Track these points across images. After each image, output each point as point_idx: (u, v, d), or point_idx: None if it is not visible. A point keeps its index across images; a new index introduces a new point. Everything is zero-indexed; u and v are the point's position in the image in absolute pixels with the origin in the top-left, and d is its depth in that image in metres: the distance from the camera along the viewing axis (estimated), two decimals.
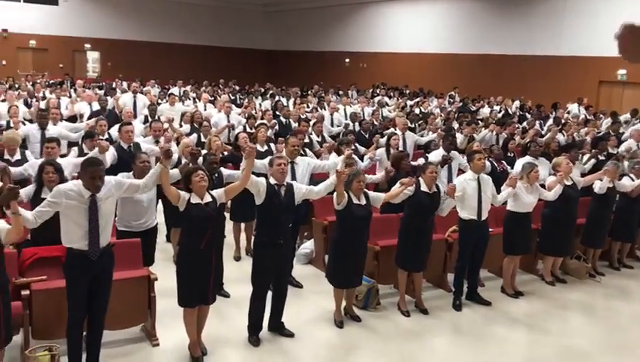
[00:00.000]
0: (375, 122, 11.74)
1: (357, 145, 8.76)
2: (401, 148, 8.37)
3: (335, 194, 5.40)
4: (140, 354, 4.96)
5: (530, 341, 5.64)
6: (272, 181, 5.17)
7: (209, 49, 26.88)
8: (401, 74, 22.77)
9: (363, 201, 5.49)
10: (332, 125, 11.84)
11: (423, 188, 5.82)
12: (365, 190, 5.61)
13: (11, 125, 8.52)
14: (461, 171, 7.80)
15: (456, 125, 11.62)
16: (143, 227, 5.71)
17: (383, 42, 24.56)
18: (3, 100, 11.47)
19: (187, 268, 4.68)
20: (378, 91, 19.21)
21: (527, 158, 8.00)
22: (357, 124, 11.29)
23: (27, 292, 4.58)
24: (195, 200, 4.67)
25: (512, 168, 7.97)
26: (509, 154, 9.01)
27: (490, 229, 6.25)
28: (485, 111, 15.74)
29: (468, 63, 21.11)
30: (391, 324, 5.77)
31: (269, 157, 5.75)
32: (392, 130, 9.71)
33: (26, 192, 5.12)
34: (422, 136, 10.53)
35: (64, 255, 4.34)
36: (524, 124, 12.76)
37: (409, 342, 5.45)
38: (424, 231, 5.87)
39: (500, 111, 15.81)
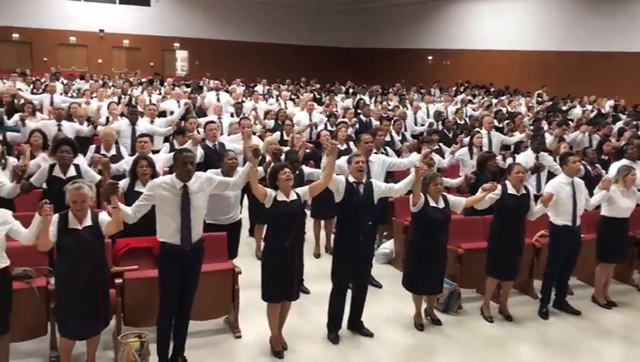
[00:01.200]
0: (459, 121, 11.47)
1: (441, 144, 8.59)
2: (486, 148, 8.12)
3: (412, 194, 5.31)
4: (222, 345, 5.10)
5: (626, 354, 5.31)
6: (351, 179, 5.17)
7: (292, 47, 27.24)
8: (486, 72, 22.11)
9: (441, 204, 5.36)
10: (415, 124, 11.67)
11: (511, 190, 5.61)
12: (445, 193, 5.48)
13: (110, 121, 9.02)
14: (550, 173, 7.49)
15: (545, 125, 11.15)
16: (228, 221, 5.87)
17: (467, 39, 23.94)
18: (96, 97, 12.13)
19: (272, 264, 4.77)
20: (462, 89, 18.77)
21: (624, 161, 7.54)
22: (441, 123, 11.06)
23: (120, 280, 4.83)
24: (281, 197, 4.75)
25: (607, 172, 7.53)
26: (602, 157, 8.52)
27: (582, 235, 5.94)
28: (577, 111, 14.99)
29: (556, 61, 20.19)
30: (473, 330, 5.61)
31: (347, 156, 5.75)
32: (477, 129, 9.45)
33: (121, 185, 5.37)
34: (508, 136, 10.17)
35: (157, 247, 4.55)
36: (620, 124, 12.04)
37: (492, 349, 5.29)
38: (515, 235, 5.64)
39: (593, 111, 15.01)
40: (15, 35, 23.08)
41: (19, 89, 12.43)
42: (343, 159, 5.82)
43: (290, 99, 14.21)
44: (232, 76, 19.45)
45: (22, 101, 10.58)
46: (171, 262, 4.41)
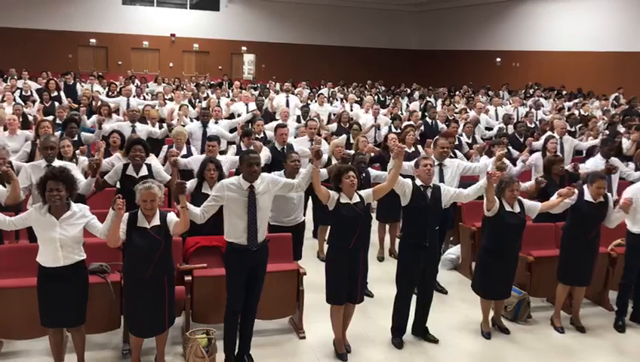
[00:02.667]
0: (529, 124, 11.11)
1: (510, 148, 8.36)
2: (558, 153, 7.83)
3: (485, 199, 5.19)
4: (287, 345, 5.15)
5: None
6: (419, 182, 5.10)
7: (357, 50, 27.23)
8: (557, 74, 21.32)
9: (517, 209, 5.23)
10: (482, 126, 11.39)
11: (587, 197, 5.39)
12: (520, 198, 5.34)
13: (182, 122, 9.30)
14: (622, 180, 7.17)
15: (622, 129, 10.63)
16: (292, 223, 5.92)
17: (538, 40, 23.16)
18: (170, 99, 12.55)
19: (336, 266, 4.77)
20: (532, 92, 18.19)
21: None
22: (510, 126, 10.75)
23: (189, 278, 4.96)
24: (344, 199, 4.75)
25: None
26: None
27: None
28: None
29: (633, 62, 19.20)
30: (543, 340, 5.42)
31: (415, 159, 5.67)
32: (549, 133, 9.12)
33: (188, 186, 5.51)
34: (581, 140, 9.77)
35: (224, 247, 4.64)
36: None
37: (562, 360, 5.09)
38: (588, 242, 5.42)
39: None
40: (92, 40, 24.20)
41: (96, 91, 13.02)
42: (411, 162, 5.76)
43: (356, 102, 14.18)
44: (298, 79, 19.65)
45: (99, 103, 11.06)
46: (238, 261, 4.50)
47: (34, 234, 4.32)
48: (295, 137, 8.72)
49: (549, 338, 5.45)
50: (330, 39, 26.88)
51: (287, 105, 12.32)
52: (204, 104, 11.65)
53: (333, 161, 6.84)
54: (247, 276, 4.54)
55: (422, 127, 10.35)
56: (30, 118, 9.40)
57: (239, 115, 11.27)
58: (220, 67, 25.41)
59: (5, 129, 7.89)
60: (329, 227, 5.80)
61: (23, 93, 12.69)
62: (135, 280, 4.34)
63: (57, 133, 7.15)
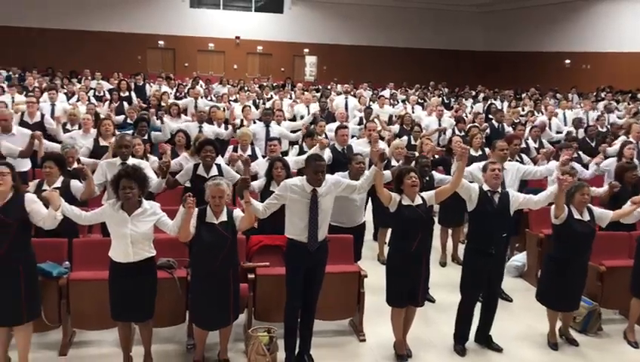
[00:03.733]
0: (600, 128, 10.66)
1: (580, 153, 8.05)
2: (635, 160, 7.48)
3: (554, 205, 5.01)
4: (347, 347, 5.15)
5: None
6: (485, 187, 4.99)
7: (418, 51, 26.91)
8: (631, 76, 20.35)
9: (586, 217, 5.03)
10: (551, 130, 11.01)
11: None
12: (590, 206, 5.13)
13: (244, 123, 9.47)
14: None
15: None
16: (353, 224, 5.91)
17: (610, 41, 22.19)
18: (235, 100, 12.79)
19: (398, 269, 4.73)
20: (603, 95, 17.45)
21: None
22: (581, 130, 10.35)
23: (253, 276, 5.04)
24: (405, 201, 4.71)
25: None
26: None
27: None
28: None
29: None
30: (614, 354, 5.19)
31: (482, 163, 5.55)
32: (623, 137, 8.73)
33: (257, 185, 5.73)
34: None
35: (285, 245, 4.69)
36: None
37: None
38: None
39: None
40: (161, 42, 24.97)
41: (164, 92, 13.43)
42: (476, 166, 5.63)
43: (418, 103, 14.02)
44: (359, 81, 19.60)
45: (168, 103, 11.41)
46: (297, 258, 4.54)
47: (107, 229, 4.50)
48: (354, 138, 8.71)
49: (621, 354, 5.21)
50: (392, 41, 26.67)
51: (346, 106, 12.34)
52: (267, 105, 11.82)
53: (393, 163, 6.79)
54: (306, 274, 4.57)
55: (487, 130, 10.12)
56: (102, 117, 9.79)
57: (301, 117, 11.37)
58: (282, 69, 25.68)
59: (80, 127, 8.26)
60: (389, 230, 5.77)
61: (96, 93, 13.25)
62: (202, 273, 4.45)
63: (129, 132, 7.41)
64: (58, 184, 5.22)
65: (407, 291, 4.73)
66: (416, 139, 8.73)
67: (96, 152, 6.87)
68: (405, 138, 9.05)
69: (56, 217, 4.29)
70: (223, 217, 4.44)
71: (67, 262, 4.92)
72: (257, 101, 13.25)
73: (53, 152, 5.90)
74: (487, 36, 28.24)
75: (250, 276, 5.03)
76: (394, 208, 4.72)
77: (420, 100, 14.94)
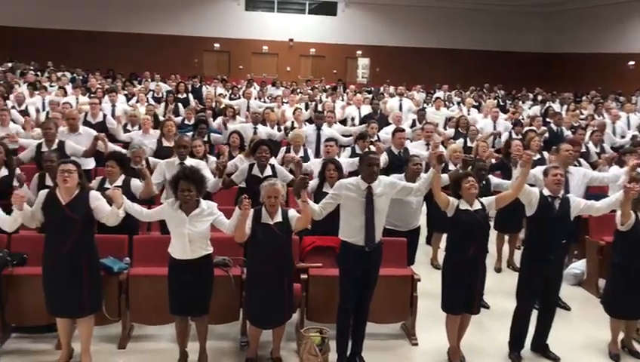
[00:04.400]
0: None
1: None
2: None
3: (619, 212, 4.84)
4: (399, 351, 5.12)
5: None
6: (546, 192, 4.86)
7: (474, 53, 26.46)
8: None
9: None
10: (614, 134, 10.62)
11: None
12: None
13: (295, 125, 9.54)
14: None
15: None
16: (408, 227, 5.88)
17: None
18: (286, 102, 12.89)
19: (455, 274, 4.67)
20: None
21: None
22: None
23: (305, 276, 5.07)
24: (463, 206, 4.64)
25: None
26: None
27: None
28: None
29: None
30: None
31: (544, 166, 5.41)
32: None
33: (310, 186, 5.68)
34: None
35: (338, 248, 4.70)
36: None
37: None
38: None
39: None
40: (216, 45, 25.49)
41: (220, 94, 13.68)
42: (539, 168, 5.50)
43: (474, 106, 13.78)
44: (412, 82, 19.44)
45: (222, 105, 11.61)
46: (351, 261, 4.54)
47: (166, 228, 4.63)
48: (410, 141, 8.62)
49: None
50: (445, 42, 26.34)
51: (400, 108, 12.24)
52: (319, 107, 11.86)
53: (451, 167, 6.70)
54: (360, 277, 4.56)
55: (546, 134, 9.84)
56: (160, 118, 10.06)
57: (352, 119, 11.35)
58: (334, 71, 25.74)
59: (139, 128, 8.52)
60: (444, 235, 5.70)
61: (155, 94, 13.63)
62: (257, 273, 4.52)
63: (189, 134, 7.59)
64: (119, 182, 5.41)
65: (463, 298, 4.65)
66: (472, 140, 8.58)
67: (160, 153, 7.05)
68: (461, 140, 8.92)
69: (119, 214, 4.45)
70: (278, 218, 4.50)
71: (127, 258, 5.08)
72: (309, 103, 13.32)
73: (116, 152, 6.12)
74: (547, 38, 27.51)
75: (303, 276, 5.07)
76: (451, 213, 4.66)
77: (475, 103, 14.67)
